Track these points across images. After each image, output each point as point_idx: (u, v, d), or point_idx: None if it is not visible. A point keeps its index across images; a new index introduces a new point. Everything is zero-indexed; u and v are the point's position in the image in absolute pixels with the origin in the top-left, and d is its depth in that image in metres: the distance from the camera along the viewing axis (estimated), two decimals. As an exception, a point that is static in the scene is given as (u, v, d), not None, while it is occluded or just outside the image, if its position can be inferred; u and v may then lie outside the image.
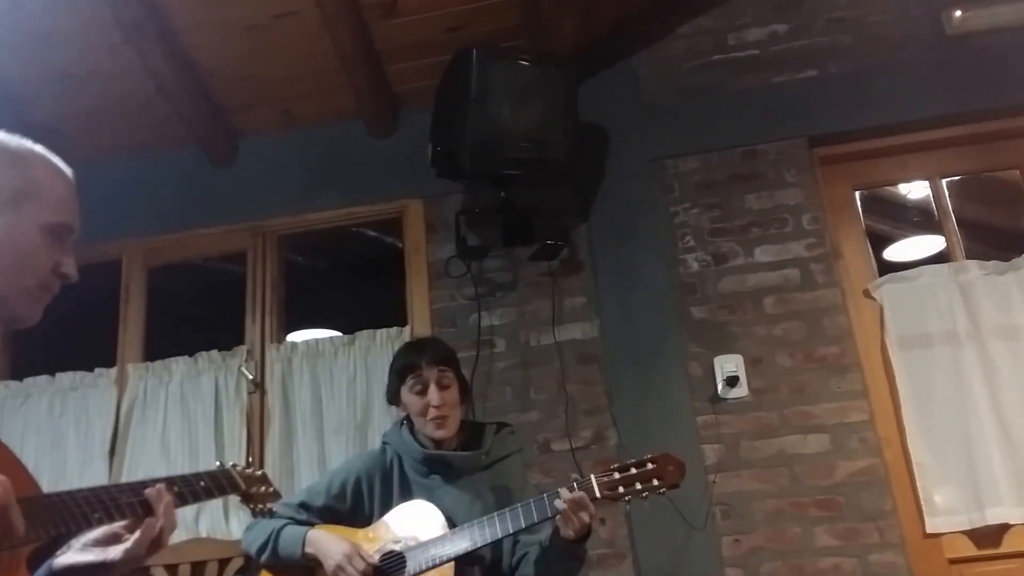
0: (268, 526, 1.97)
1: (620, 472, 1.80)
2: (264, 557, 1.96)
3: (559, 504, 1.76)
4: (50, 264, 1.15)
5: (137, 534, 1.12)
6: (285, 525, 1.97)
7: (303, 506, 2.03)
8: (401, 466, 2.07)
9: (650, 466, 1.79)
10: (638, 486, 1.78)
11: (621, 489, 1.79)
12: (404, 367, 2.09)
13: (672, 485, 1.80)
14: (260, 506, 1.38)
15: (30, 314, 1.17)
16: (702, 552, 2.44)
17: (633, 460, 1.82)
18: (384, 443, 2.14)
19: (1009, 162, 2.85)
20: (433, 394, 2.03)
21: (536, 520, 1.81)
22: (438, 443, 2.05)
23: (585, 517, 1.75)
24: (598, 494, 1.78)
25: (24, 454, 3.05)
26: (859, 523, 2.41)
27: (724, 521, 2.49)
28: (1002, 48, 2.77)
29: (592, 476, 1.81)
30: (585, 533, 1.79)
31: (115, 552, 1.13)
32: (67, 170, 1.21)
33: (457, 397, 2.08)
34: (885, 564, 2.36)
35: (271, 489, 1.42)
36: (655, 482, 1.78)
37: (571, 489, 1.78)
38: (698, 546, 2.43)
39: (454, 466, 2.03)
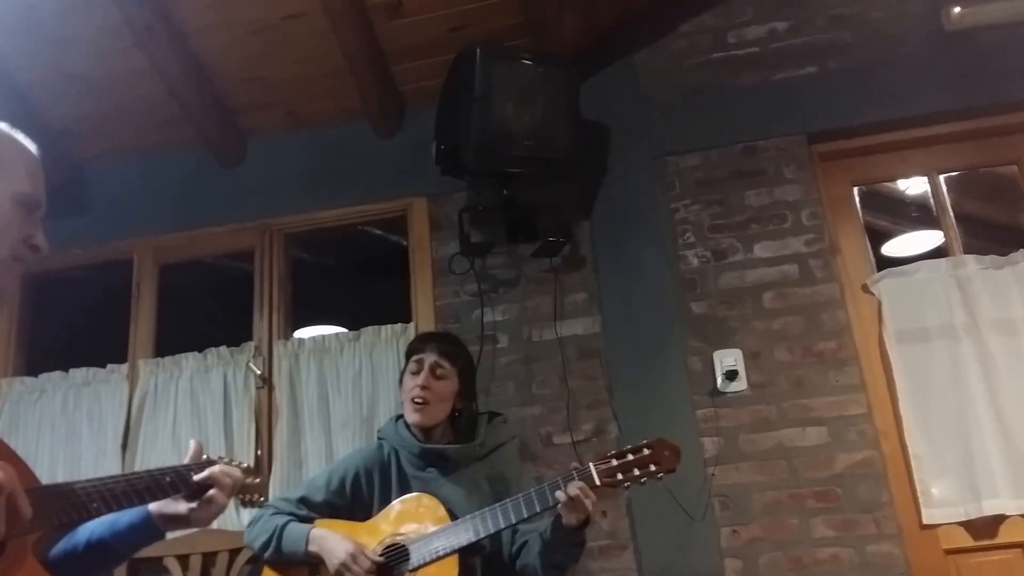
0: (271, 523, 1.99)
1: (618, 459, 1.82)
2: (267, 554, 1.97)
3: (560, 495, 1.78)
4: (22, 235, 1.16)
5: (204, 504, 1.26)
6: (288, 522, 1.98)
7: (303, 501, 2.06)
8: (398, 460, 2.09)
9: (646, 451, 1.82)
10: (636, 472, 1.81)
11: (619, 476, 1.81)
12: (410, 350, 2.17)
13: (668, 470, 1.81)
14: (248, 497, 1.42)
15: (3, 286, 1.18)
16: (702, 543, 2.47)
17: (629, 446, 1.84)
18: (380, 438, 2.17)
19: (1007, 157, 2.86)
20: (422, 376, 2.07)
21: (538, 510, 1.84)
22: (424, 432, 2.07)
23: (588, 505, 1.78)
24: (598, 482, 1.80)
25: (39, 448, 3.13)
26: (856, 514, 2.44)
27: (723, 512, 2.52)
28: (1000, 44, 2.79)
29: (591, 464, 1.83)
30: (586, 519, 1.82)
31: (193, 510, 1.26)
32: (33, 146, 1.23)
33: (448, 392, 2.09)
34: (882, 555, 2.39)
35: (257, 480, 1.45)
36: (652, 467, 1.80)
37: (571, 478, 1.80)
38: (698, 537, 2.47)
39: (450, 459, 2.06)
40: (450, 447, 2.08)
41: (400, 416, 2.15)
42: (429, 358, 2.09)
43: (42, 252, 1.19)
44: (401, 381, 2.18)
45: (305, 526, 1.98)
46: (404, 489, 2.04)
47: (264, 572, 2.01)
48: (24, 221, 1.16)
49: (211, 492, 1.26)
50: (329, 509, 2.05)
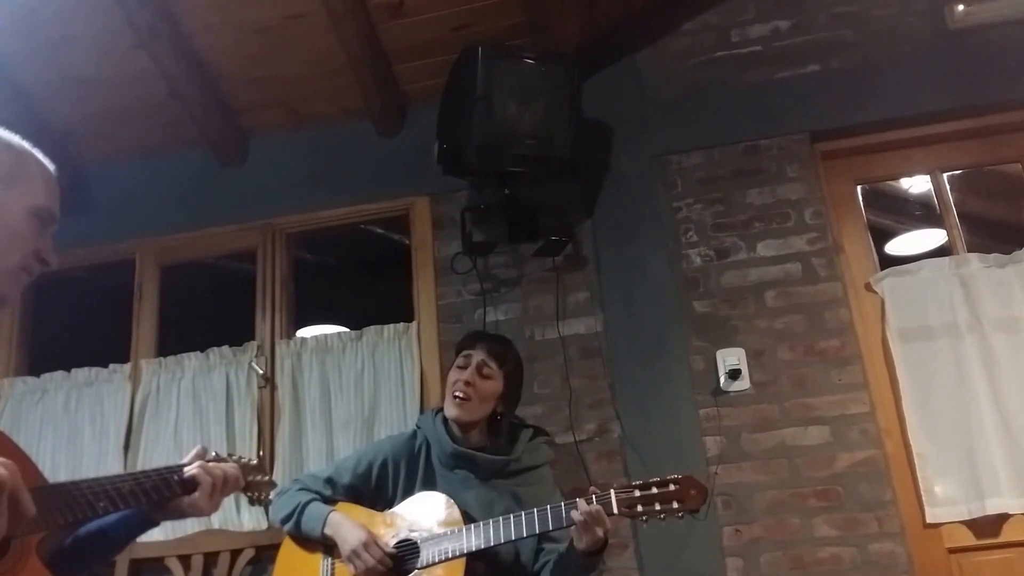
0: (295, 499, 2.03)
1: (641, 490, 1.78)
2: (287, 527, 2.03)
3: (575, 515, 1.76)
4: (33, 248, 1.18)
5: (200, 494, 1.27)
6: (312, 500, 2.02)
7: (329, 481, 2.09)
8: (428, 454, 2.10)
9: (672, 487, 1.77)
10: (657, 507, 1.76)
11: (640, 508, 1.77)
12: (460, 345, 2.18)
13: (692, 510, 1.77)
14: (256, 494, 1.41)
15: (8, 295, 1.19)
16: (703, 542, 2.46)
17: (656, 479, 1.80)
18: (416, 427, 2.17)
19: (1010, 156, 2.85)
20: (468, 372, 2.06)
21: (551, 527, 1.81)
22: (461, 429, 2.07)
23: (599, 531, 1.74)
24: (615, 510, 1.77)
25: (41, 449, 3.14)
26: (859, 513, 2.43)
27: (725, 511, 2.51)
28: (1004, 42, 2.78)
29: (612, 491, 1.79)
30: (600, 546, 1.78)
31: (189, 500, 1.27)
32: (51, 165, 1.26)
33: (491, 393, 2.07)
34: (885, 554, 2.38)
35: (267, 478, 1.45)
36: (675, 504, 1.76)
37: (589, 501, 1.77)
38: (699, 536, 2.45)
39: (481, 467, 2.05)
40: (480, 455, 2.05)
41: (440, 410, 2.15)
42: (477, 356, 2.09)
43: (51, 267, 1.22)
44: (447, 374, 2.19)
45: (326, 508, 2.00)
46: (429, 483, 2.04)
47: (284, 542, 2.06)
48: (37, 234, 1.19)
49: (196, 488, 1.26)
50: (353, 492, 2.07)
